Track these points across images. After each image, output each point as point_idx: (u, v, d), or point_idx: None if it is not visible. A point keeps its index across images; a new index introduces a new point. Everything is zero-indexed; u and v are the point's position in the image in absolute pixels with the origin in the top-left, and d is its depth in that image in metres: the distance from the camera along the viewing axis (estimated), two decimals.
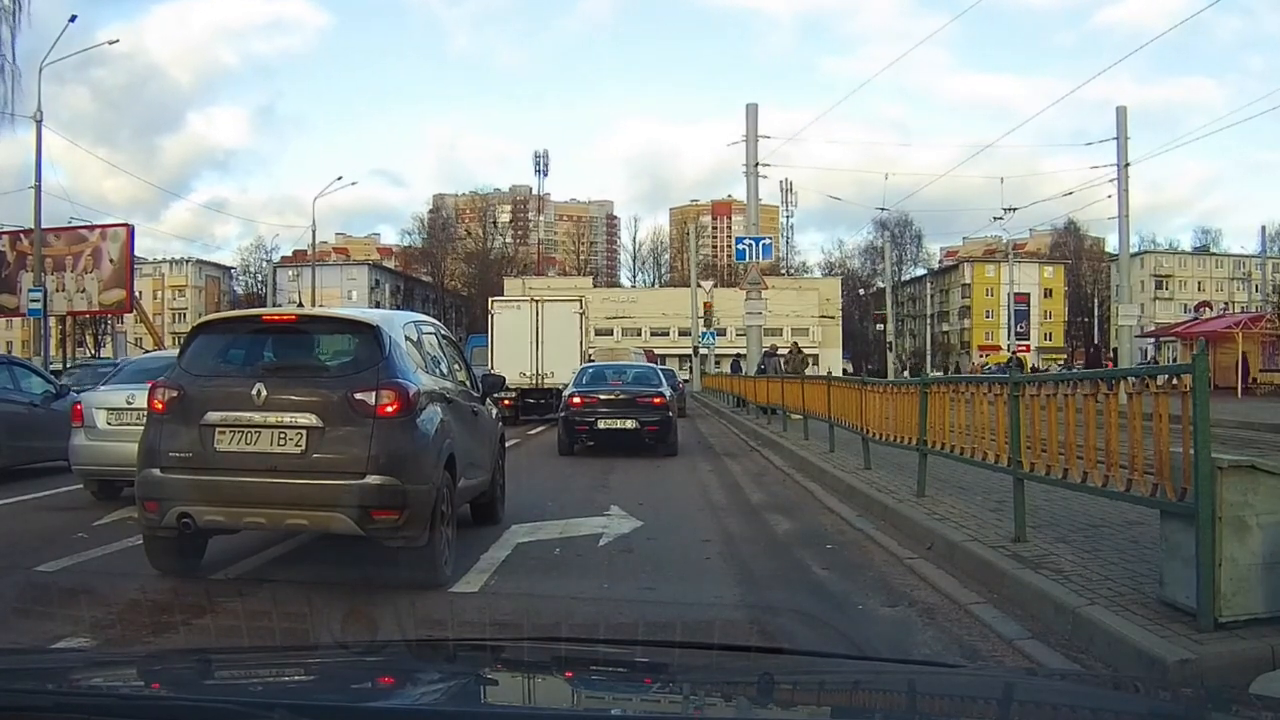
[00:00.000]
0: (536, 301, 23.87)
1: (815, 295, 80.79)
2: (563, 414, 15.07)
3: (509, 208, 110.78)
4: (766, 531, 8.06)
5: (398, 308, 64.83)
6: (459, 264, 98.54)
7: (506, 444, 9.30)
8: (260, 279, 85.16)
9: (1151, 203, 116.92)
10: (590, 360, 21.20)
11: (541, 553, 6.89)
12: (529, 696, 2.07)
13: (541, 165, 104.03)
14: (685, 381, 37.54)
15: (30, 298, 29.38)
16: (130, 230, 35.31)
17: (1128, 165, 27.14)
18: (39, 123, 26.36)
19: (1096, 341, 78.07)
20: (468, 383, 7.71)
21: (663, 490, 10.70)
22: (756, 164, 26.84)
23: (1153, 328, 58.68)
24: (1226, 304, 69.00)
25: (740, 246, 28.48)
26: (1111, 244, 69.38)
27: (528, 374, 22.28)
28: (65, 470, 10.02)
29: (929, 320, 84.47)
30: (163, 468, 5.63)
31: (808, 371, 22.99)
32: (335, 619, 4.30)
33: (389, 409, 5.56)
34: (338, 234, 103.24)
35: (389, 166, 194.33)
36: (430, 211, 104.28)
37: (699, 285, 51.91)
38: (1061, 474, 5.63)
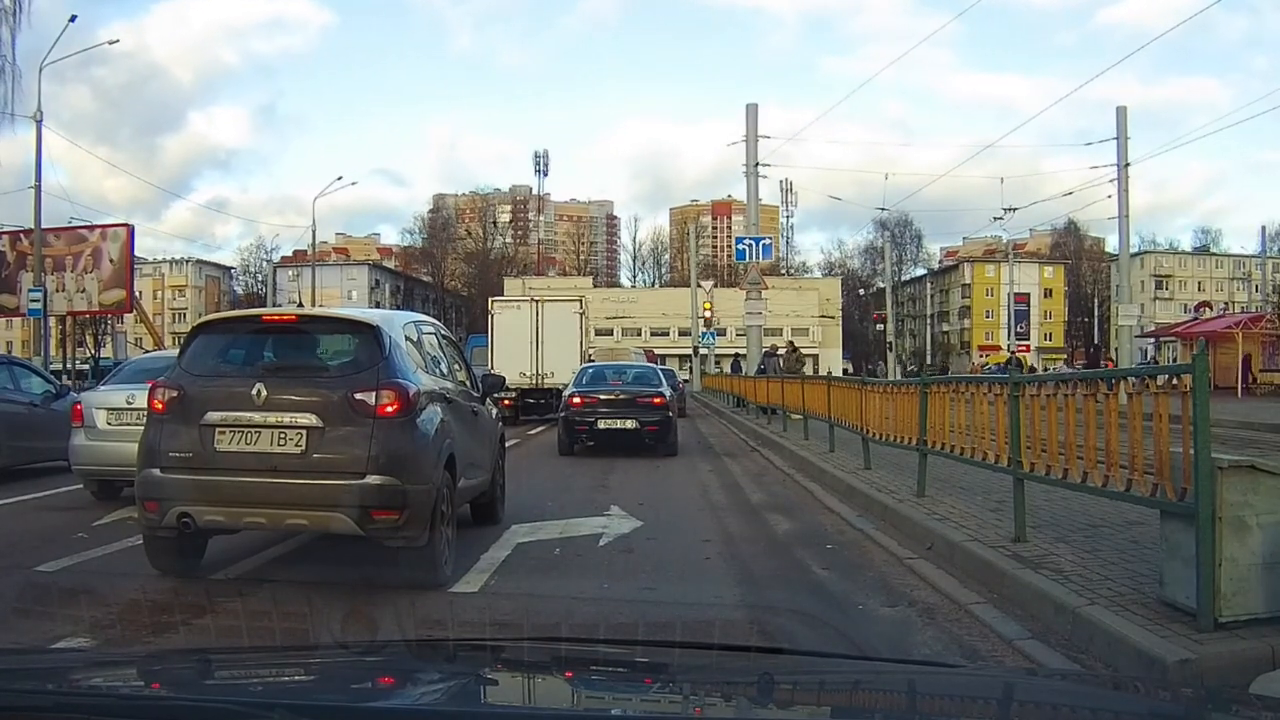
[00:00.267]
0: (536, 301, 23.86)
1: (815, 295, 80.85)
2: (563, 414, 15.07)
3: (509, 208, 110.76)
4: (766, 531, 8.06)
5: (398, 308, 64.82)
6: (459, 264, 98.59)
7: (506, 444, 9.30)
8: (260, 279, 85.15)
9: (1152, 203, 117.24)
10: (590, 360, 21.18)
11: (541, 553, 6.89)
12: (529, 696, 2.06)
13: (542, 165, 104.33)
14: (685, 381, 37.53)
15: (30, 298, 29.34)
16: (130, 230, 35.19)
17: (1128, 165, 27.18)
18: (39, 123, 26.41)
19: (1096, 341, 77.96)
20: (468, 383, 7.71)
21: (663, 490, 10.69)
22: (756, 164, 26.84)
23: (1153, 328, 58.72)
24: (1226, 304, 68.91)
25: (740, 246, 28.47)
26: (1111, 244, 69.54)
27: (528, 374, 22.28)
28: (65, 470, 10.02)
29: (929, 320, 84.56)
30: (163, 468, 5.64)
31: (806, 371, 22.99)
32: (335, 619, 4.31)
33: (389, 409, 5.56)
34: (338, 234, 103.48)
35: (389, 166, 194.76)
36: (430, 211, 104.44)
37: (699, 285, 51.95)
38: (1061, 474, 5.62)
